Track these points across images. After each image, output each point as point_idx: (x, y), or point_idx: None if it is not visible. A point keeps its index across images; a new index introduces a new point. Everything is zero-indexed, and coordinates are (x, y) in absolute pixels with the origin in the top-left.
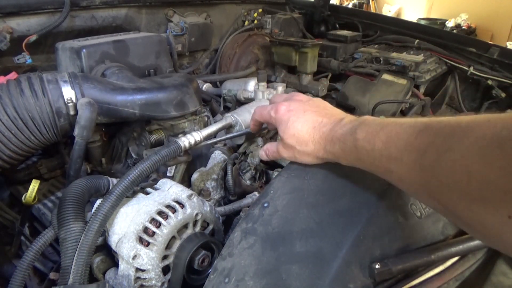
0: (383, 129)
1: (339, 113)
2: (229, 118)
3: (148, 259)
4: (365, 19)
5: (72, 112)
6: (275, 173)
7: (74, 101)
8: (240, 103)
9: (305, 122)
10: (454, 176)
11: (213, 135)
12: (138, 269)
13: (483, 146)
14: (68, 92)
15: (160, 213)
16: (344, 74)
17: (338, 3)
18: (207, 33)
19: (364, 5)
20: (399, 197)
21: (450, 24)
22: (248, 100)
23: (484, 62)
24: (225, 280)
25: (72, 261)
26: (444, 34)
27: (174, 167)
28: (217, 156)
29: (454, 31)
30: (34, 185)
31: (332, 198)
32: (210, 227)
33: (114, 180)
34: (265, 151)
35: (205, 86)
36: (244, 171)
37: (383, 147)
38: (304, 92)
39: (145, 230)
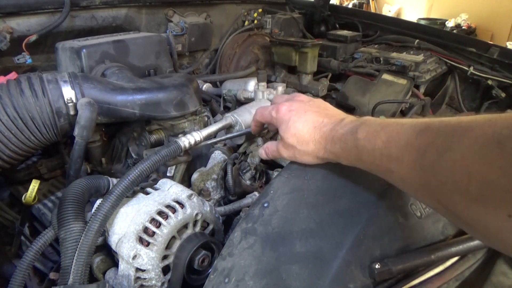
0: (384, 129)
1: (339, 113)
2: (229, 118)
3: (148, 259)
4: (365, 19)
5: (72, 112)
6: (275, 173)
7: (74, 101)
8: (240, 103)
9: (306, 122)
10: (454, 175)
11: (213, 135)
12: (138, 269)
13: (483, 145)
14: (68, 92)
15: (160, 213)
16: (344, 74)
17: (338, 3)
18: (207, 33)
19: (364, 5)
20: (399, 197)
21: (450, 24)
22: (248, 100)
23: (484, 62)
24: (225, 280)
25: (72, 261)
26: (444, 34)
27: (174, 167)
28: (217, 156)
29: (454, 31)
30: (34, 185)
31: (332, 198)
32: (210, 227)
33: (114, 180)
34: (265, 149)
35: (205, 86)
36: (244, 171)
37: (383, 147)
38: (304, 92)
39: (145, 230)
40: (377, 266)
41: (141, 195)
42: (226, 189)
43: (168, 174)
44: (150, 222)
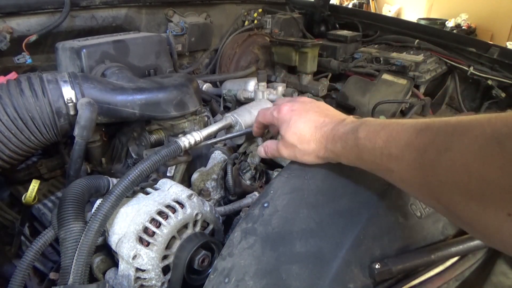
0: (384, 128)
1: (340, 114)
2: (229, 118)
3: (148, 259)
4: (365, 19)
5: (72, 112)
6: (275, 173)
7: (74, 101)
8: (240, 103)
9: (307, 122)
10: (454, 175)
11: (213, 135)
12: (138, 269)
13: (483, 144)
14: (68, 92)
15: (160, 213)
16: (344, 74)
17: (338, 3)
18: (207, 33)
19: (364, 5)
20: (399, 197)
21: (450, 24)
22: (248, 100)
23: (484, 62)
24: (225, 280)
25: (72, 261)
26: (444, 34)
27: (174, 167)
28: (217, 156)
29: (454, 31)
30: (34, 185)
31: (332, 198)
32: (210, 227)
33: (114, 180)
34: (264, 148)
35: (205, 86)
36: (244, 171)
37: (384, 146)
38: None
39: (145, 230)
40: (377, 266)
41: (141, 195)
42: (226, 189)
43: (168, 174)
44: (150, 222)
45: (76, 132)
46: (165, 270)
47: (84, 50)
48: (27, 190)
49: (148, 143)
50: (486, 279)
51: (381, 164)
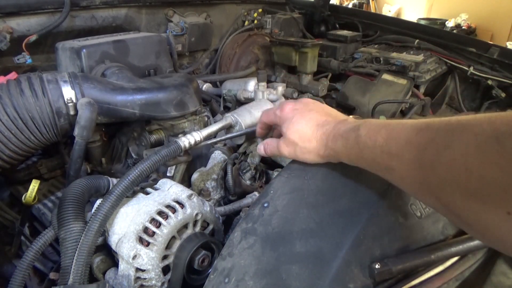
0: (385, 127)
1: (342, 115)
2: (229, 118)
3: (148, 259)
4: (365, 19)
5: (72, 112)
6: (275, 173)
7: (74, 101)
8: (240, 103)
9: (309, 120)
10: (453, 173)
11: (213, 135)
12: (138, 269)
13: (482, 142)
14: (68, 92)
15: (160, 213)
16: (344, 74)
17: (338, 3)
18: (207, 33)
19: (364, 5)
20: (399, 197)
21: (450, 24)
22: (248, 100)
23: (484, 62)
24: (225, 280)
25: (72, 261)
26: (444, 34)
27: (174, 167)
28: (217, 156)
29: (454, 31)
30: (34, 185)
31: (332, 198)
32: (210, 227)
33: (114, 180)
34: (265, 146)
35: (205, 86)
36: (244, 171)
37: (384, 144)
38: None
39: (145, 230)
40: (377, 266)
41: (141, 195)
42: (226, 189)
43: (168, 174)
44: (150, 222)
45: (76, 132)
46: (165, 270)
47: (84, 50)
48: (27, 190)
49: (148, 143)
50: (486, 279)
51: (381, 163)
